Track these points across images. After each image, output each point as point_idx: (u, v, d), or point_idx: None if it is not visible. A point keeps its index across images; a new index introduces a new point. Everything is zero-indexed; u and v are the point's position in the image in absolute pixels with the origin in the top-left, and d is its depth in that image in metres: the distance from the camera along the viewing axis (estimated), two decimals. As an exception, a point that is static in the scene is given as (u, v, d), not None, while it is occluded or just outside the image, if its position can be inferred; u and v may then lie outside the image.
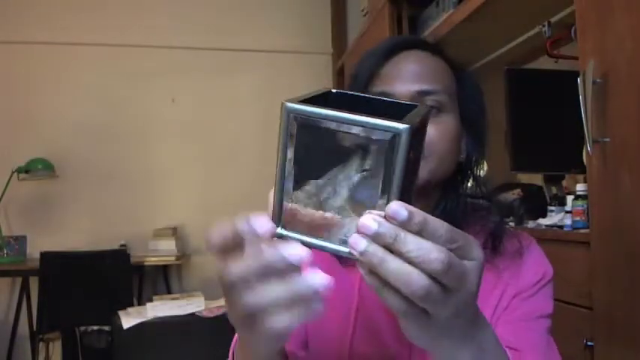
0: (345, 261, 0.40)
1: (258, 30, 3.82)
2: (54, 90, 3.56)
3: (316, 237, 0.41)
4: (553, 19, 1.90)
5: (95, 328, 3.04)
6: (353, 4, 3.81)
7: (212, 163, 3.64)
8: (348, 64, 3.41)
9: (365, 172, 0.38)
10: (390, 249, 0.37)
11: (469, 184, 0.79)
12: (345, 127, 0.38)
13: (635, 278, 1.15)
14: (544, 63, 2.08)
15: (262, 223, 0.39)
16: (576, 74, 1.27)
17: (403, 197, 0.38)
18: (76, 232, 3.45)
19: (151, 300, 2.22)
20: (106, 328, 2.97)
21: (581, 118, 1.23)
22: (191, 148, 3.68)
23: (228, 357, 0.63)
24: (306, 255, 0.38)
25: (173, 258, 3.30)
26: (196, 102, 3.72)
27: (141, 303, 3.10)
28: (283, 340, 0.45)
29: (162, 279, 3.52)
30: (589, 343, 1.28)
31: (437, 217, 0.39)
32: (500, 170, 2.06)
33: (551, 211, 1.65)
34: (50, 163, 3.32)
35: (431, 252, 0.36)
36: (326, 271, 0.78)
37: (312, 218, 0.40)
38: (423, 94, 0.71)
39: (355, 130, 0.37)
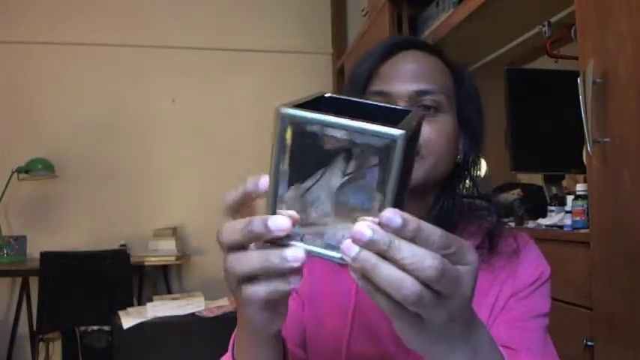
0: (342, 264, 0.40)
1: (258, 30, 3.82)
2: (54, 90, 3.56)
3: (308, 242, 0.41)
4: (553, 19, 1.90)
5: (95, 328, 3.04)
6: (353, 4, 3.81)
7: (212, 163, 3.64)
8: (348, 64, 3.41)
9: (359, 178, 0.38)
10: (383, 256, 0.37)
11: (466, 185, 0.79)
12: (340, 133, 0.38)
13: (635, 278, 1.15)
14: (544, 63, 2.08)
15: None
16: (576, 74, 1.27)
17: (397, 202, 0.38)
18: (76, 232, 3.45)
19: (151, 300, 2.22)
20: (106, 328, 2.97)
21: (581, 118, 1.23)
22: (191, 148, 3.68)
23: (227, 354, 0.63)
24: (288, 225, 0.39)
25: (173, 258, 3.30)
26: (196, 102, 3.72)
27: (141, 303, 3.10)
28: (268, 319, 0.47)
29: (163, 279, 3.52)
30: (589, 343, 1.28)
31: (434, 217, 0.39)
32: (500, 170, 2.06)
33: (551, 211, 1.65)
34: (50, 163, 3.32)
35: (425, 259, 0.36)
36: (323, 270, 0.79)
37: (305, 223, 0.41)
38: (420, 93, 0.72)
39: (350, 135, 0.38)
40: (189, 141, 3.69)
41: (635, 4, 1.15)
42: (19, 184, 3.31)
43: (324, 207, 0.40)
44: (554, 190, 1.85)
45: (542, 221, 1.64)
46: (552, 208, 1.66)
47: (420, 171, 0.70)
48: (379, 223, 0.37)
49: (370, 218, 0.38)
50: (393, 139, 0.37)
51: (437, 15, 2.26)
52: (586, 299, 1.30)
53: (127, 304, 2.58)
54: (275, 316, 0.48)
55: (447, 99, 0.74)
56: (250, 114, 3.68)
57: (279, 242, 0.40)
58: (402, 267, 0.36)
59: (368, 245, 0.37)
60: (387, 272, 0.37)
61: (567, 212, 1.51)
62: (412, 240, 0.37)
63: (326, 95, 0.48)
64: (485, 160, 0.80)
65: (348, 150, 0.38)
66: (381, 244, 0.37)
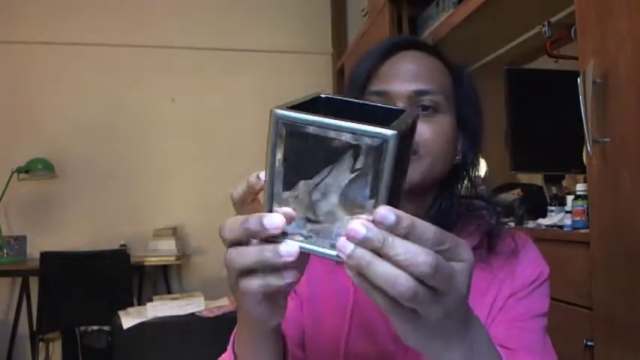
0: (339, 262, 0.41)
1: (258, 30, 3.82)
2: (54, 90, 3.56)
3: (305, 240, 0.41)
4: (553, 19, 1.90)
5: (95, 328, 3.04)
6: (353, 4, 3.81)
7: (212, 163, 3.64)
8: (348, 64, 3.41)
9: (353, 177, 0.39)
10: (378, 253, 0.37)
11: (464, 185, 0.79)
12: (333, 133, 0.38)
13: (635, 278, 1.15)
14: (544, 63, 2.08)
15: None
16: (576, 74, 1.27)
17: (391, 201, 0.38)
18: (76, 232, 3.45)
19: (151, 300, 2.22)
20: (106, 328, 2.97)
21: (581, 118, 1.23)
22: (191, 148, 3.68)
23: (227, 350, 0.63)
24: (282, 222, 0.40)
25: (173, 258, 3.30)
26: (196, 102, 3.72)
27: (141, 303, 3.10)
28: (267, 313, 0.48)
29: (163, 279, 3.52)
30: (589, 343, 1.28)
31: (431, 217, 0.40)
32: (500, 170, 2.06)
33: (551, 211, 1.65)
34: (50, 163, 3.32)
35: (418, 255, 0.37)
36: (321, 270, 0.79)
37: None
38: (419, 93, 0.72)
39: (343, 136, 0.38)
40: (189, 141, 3.69)
41: (635, 4, 1.15)
42: (19, 184, 3.31)
43: (319, 206, 0.40)
44: (554, 190, 1.85)
45: (542, 221, 1.64)
46: (552, 208, 1.66)
47: (417, 171, 0.70)
48: (373, 221, 0.38)
49: (365, 216, 0.38)
50: (385, 139, 0.37)
51: (437, 15, 2.26)
52: (586, 299, 1.30)
53: (127, 304, 2.58)
54: (274, 310, 0.49)
55: (446, 99, 0.74)
56: (250, 114, 3.67)
57: (276, 240, 0.41)
58: (396, 263, 0.37)
59: (362, 243, 0.37)
60: (381, 269, 0.37)
61: (567, 212, 1.51)
62: (406, 237, 0.38)
63: (322, 96, 0.49)
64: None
65: (341, 150, 0.38)
66: (375, 241, 0.37)
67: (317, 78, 3.83)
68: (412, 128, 0.43)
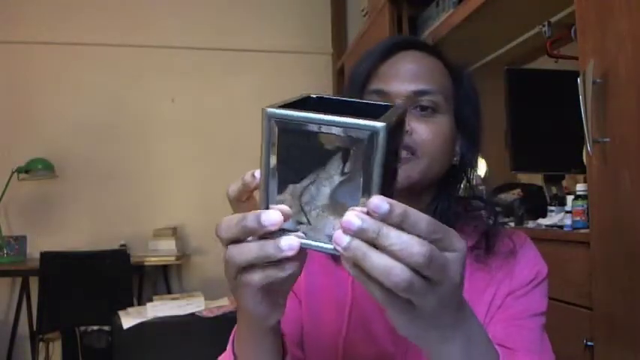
0: (338, 260, 0.42)
1: (258, 30, 3.82)
2: (54, 90, 3.56)
3: (302, 236, 0.42)
4: (553, 19, 1.90)
5: (95, 328, 3.04)
6: (353, 4, 3.81)
7: (212, 163, 3.64)
8: (348, 64, 3.41)
9: (346, 171, 0.40)
10: (373, 244, 0.38)
11: (463, 186, 0.79)
12: (324, 129, 0.39)
13: (635, 278, 1.15)
14: (544, 63, 2.08)
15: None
16: (576, 74, 1.27)
17: (384, 193, 0.39)
18: (76, 232, 3.45)
19: (151, 300, 2.22)
20: (106, 328, 2.97)
21: (581, 118, 1.23)
22: (191, 148, 3.68)
23: (227, 349, 0.63)
24: (279, 219, 0.40)
25: (173, 258, 3.30)
26: (196, 102, 3.72)
27: (141, 303, 3.10)
28: (267, 310, 0.49)
29: (163, 279, 3.52)
30: (589, 343, 1.28)
31: None
32: (500, 170, 2.06)
33: (551, 211, 1.65)
34: (50, 163, 3.32)
35: (413, 246, 0.37)
36: (319, 268, 0.79)
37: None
38: (418, 93, 0.72)
39: (334, 130, 0.39)
40: (189, 141, 3.69)
41: (635, 4, 1.15)
42: (19, 184, 3.31)
43: (314, 201, 0.41)
44: (554, 190, 1.85)
45: (542, 221, 1.64)
46: (552, 208, 1.66)
47: (415, 170, 0.70)
48: (367, 211, 0.38)
49: (359, 208, 0.39)
50: (374, 131, 0.38)
51: (437, 15, 2.26)
52: (586, 299, 1.30)
53: (127, 304, 2.58)
54: (274, 308, 0.50)
55: (445, 99, 0.74)
56: (250, 114, 3.66)
57: (273, 236, 0.42)
58: (391, 254, 0.38)
59: (357, 234, 0.38)
60: (377, 260, 0.38)
61: (567, 212, 1.51)
62: (399, 225, 0.38)
63: (312, 96, 0.50)
64: (485, 160, 0.80)
65: (333, 145, 0.39)
66: (370, 232, 0.38)
67: (317, 78, 3.83)
68: (401, 122, 0.44)
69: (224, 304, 2.24)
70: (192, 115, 3.71)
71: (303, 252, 0.43)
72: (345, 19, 3.99)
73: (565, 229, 1.48)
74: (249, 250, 0.42)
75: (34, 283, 3.16)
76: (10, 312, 3.34)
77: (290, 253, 0.41)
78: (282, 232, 0.42)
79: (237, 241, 0.43)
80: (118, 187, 3.58)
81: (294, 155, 0.41)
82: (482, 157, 0.81)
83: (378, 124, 0.38)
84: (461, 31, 2.09)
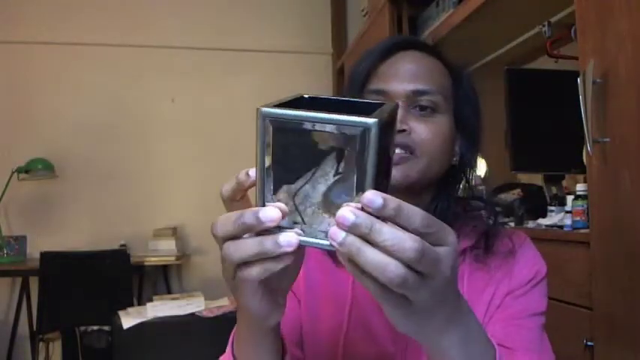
0: (337, 260, 0.42)
1: (258, 30, 3.82)
2: (54, 90, 3.56)
3: (300, 232, 0.43)
4: (553, 19, 1.90)
5: (95, 328, 3.04)
6: (353, 4, 3.81)
7: (212, 163, 3.64)
8: (348, 64, 3.41)
9: (341, 168, 0.40)
10: (366, 239, 0.38)
11: (462, 186, 0.79)
12: (317, 126, 0.40)
13: (635, 278, 1.15)
14: (544, 63, 2.08)
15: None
16: (576, 74, 1.27)
17: (378, 189, 0.40)
18: (76, 232, 3.45)
19: (151, 300, 2.22)
20: (106, 328, 2.97)
21: (581, 118, 1.23)
22: (191, 148, 3.68)
23: (226, 351, 0.63)
24: (277, 216, 0.41)
25: (173, 258, 3.30)
26: (196, 102, 3.72)
27: (141, 303, 3.10)
28: (267, 309, 0.49)
29: (163, 279, 3.52)
30: (589, 343, 1.28)
31: None
32: (500, 170, 2.06)
33: (551, 211, 1.65)
34: (50, 163, 3.32)
35: (405, 241, 0.38)
36: (319, 269, 0.79)
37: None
38: (418, 93, 0.72)
39: (327, 128, 0.40)
40: (189, 141, 3.69)
41: (635, 4, 1.15)
42: (19, 184, 3.31)
43: (310, 199, 0.42)
44: (554, 190, 1.85)
45: (542, 221, 1.64)
46: (552, 208, 1.66)
47: (414, 170, 0.70)
48: (362, 208, 0.39)
49: (353, 204, 0.40)
50: (366, 127, 0.39)
51: (437, 15, 2.26)
52: (586, 299, 1.30)
53: (127, 304, 2.58)
54: (274, 307, 0.50)
55: (445, 100, 0.74)
56: (250, 114, 3.59)
57: (270, 233, 0.42)
58: (384, 249, 0.38)
59: (351, 229, 0.38)
60: (371, 256, 0.38)
61: (567, 212, 1.51)
62: (394, 219, 0.39)
63: (305, 96, 0.50)
64: (485, 160, 0.81)
65: (328, 143, 0.40)
66: (363, 227, 0.38)
67: (317, 78, 3.83)
68: (392, 119, 0.45)
69: (224, 304, 2.24)
70: (192, 115, 3.71)
71: (300, 249, 0.43)
72: (345, 19, 3.99)
73: (565, 229, 1.48)
74: (247, 246, 0.42)
75: (34, 283, 3.16)
76: (10, 312, 3.34)
77: (289, 249, 0.41)
78: (278, 229, 0.42)
79: (233, 238, 0.43)
80: (118, 187, 3.58)
81: (289, 154, 0.41)
82: (482, 157, 0.81)
83: (370, 120, 0.39)
84: (461, 31, 2.09)
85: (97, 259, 2.91)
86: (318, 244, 0.42)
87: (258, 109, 0.41)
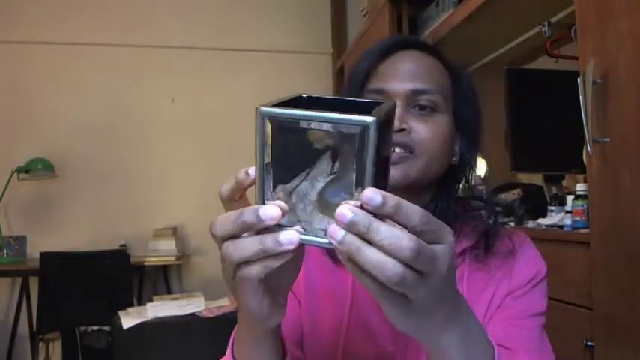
0: (337, 259, 0.42)
1: (258, 30, 3.82)
2: (54, 90, 3.56)
3: (300, 230, 0.43)
4: (553, 19, 1.90)
5: (95, 328, 3.04)
6: (353, 4, 3.81)
7: (212, 163, 3.63)
8: (348, 64, 3.41)
9: (340, 167, 0.41)
10: (363, 237, 0.39)
11: (462, 186, 0.79)
12: (316, 125, 0.40)
13: (635, 278, 1.15)
14: (544, 63, 2.08)
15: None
16: (576, 74, 1.27)
17: (377, 187, 0.40)
18: (76, 232, 3.45)
19: (151, 300, 2.22)
20: (106, 328, 2.97)
21: (581, 118, 1.23)
22: (191, 148, 3.68)
23: (226, 353, 0.63)
24: (277, 214, 0.41)
25: (173, 258, 3.30)
26: (196, 102, 3.72)
27: (141, 303, 3.10)
28: (268, 309, 0.49)
29: (163, 279, 3.52)
30: (589, 343, 1.27)
31: None
32: (500, 170, 2.06)
33: (551, 211, 1.65)
34: (50, 163, 3.32)
35: (402, 240, 0.38)
36: (319, 269, 0.79)
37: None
38: (417, 92, 0.72)
39: (326, 126, 0.40)
40: (189, 141, 3.69)
41: (635, 4, 1.15)
42: (19, 184, 3.31)
43: (309, 197, 0.42)
44: (554, 190, 1.85)
45: (542, 221, 1.64)
46: (552, 208, 1.66)
47: (413, 169, 0.70)
48: (361, 206, 0.39)
49: (353, 202, 0.40)
50: (365, 126, 0.39)
51: (437, 15, 2.26)
52: (586, 299, 1.30)
53: (127, 304, 2.58)
54: (275, 308, 0.50)
55: (444, 99, 0.74)
56: (250, 114, 3.58)
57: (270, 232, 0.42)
58: (382, 248, 0.38)
59: (349, 227, 0.39)
60: (370, 255, 0.39)
61: (567, 212, 1.51)
62: (393, 216, 0.39)
63: (303, 95, 0.51)
64: (485, 160, 0.81)
65: (326, 141, 0.40)
66: (361, 225, 0.38)
67: (317, 78, 3.83)
68: (390, 118, 0.45)
69: (224, 304, 2.24)
70: (192, 115, 3.71)
71: (300, 248, 0.43)
72: (345, 19, 3.99)
73: (565, 229, 1.48)
74: (247, 244, 0.42)
75: (34, 283, 3.16)
76: (10, 312, 3.34)
77: (290, 247, 0.41)
78: (278, 227, 0.42)
79: (232, 237, 0.43)
80: (118, 187, 3.58)
81: (288, 152, 0.42)
82: (482, 157, 0.81)
83: (369, 119, 0.39)
84: (461, 31, 2.09)
85: (97, 259, 2.91)
86: (318, 242, 0.42)
87: (257, 108, 0.42)
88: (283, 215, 0.42)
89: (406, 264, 0.39)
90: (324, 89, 3.78)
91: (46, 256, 2.84)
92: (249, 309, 0.49)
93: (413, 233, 0.40)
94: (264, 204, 0.43)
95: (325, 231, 0.41)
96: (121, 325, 2.05)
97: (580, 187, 1.44)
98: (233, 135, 3.66)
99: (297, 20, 3.89)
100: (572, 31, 1.71)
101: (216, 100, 3.73)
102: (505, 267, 0.74)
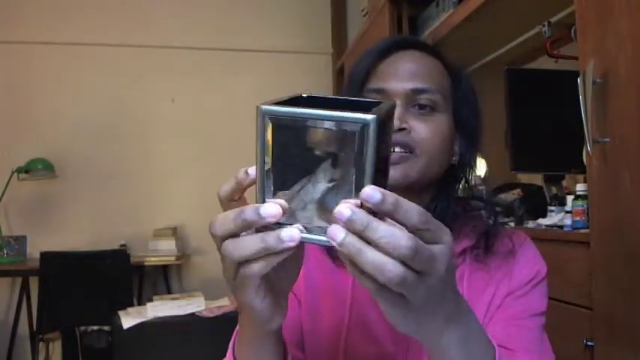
0: (337, 259, 0.42)
1: (258, 30, 3.82)
2: (54, 90, 3.56)
3: (301, 229, 0.43)
4: (553, 19, 1.90)
5: (95, 328, 3.04)
6: (353, 4, 3.81)
7: (212, 163, 3.63)
8: (348, 64, 3.41)
9: (340, 165, 0.41)
10: (362, 236, 0.39)
11: (461, 186, 0.79)
12: (317, 123, 0.40)
13: (635, 278, 1.15)
14: (544, 63, 2.08)
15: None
16: (576, 74, 1.27)
17: (376, 185, 0.40)
18: (76, 232, 3.45)
19: (151, 300, 2.22)
20: (106, 328, 2.97)
21: (581, 118, 1.23)
22: (191, 148, 3.68)
23: (227, 354, 0.63)
24: (278, 212, 0.41)
25: (173, 258, 3.30)
26: (196, 102, 3.72)
27: (141, 303, 3.10)
28: (269, 310, 0.49)
29: (163, 279, 3.52)
30: (589, 343, 1.27)
31: None
32: (500, 170, 2.06)
33: (551, 211, 1.65)
34: (50, 163, 3.32)
35: (400, 238, 0.38)
36: (319, 270, 0.79)
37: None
38: (416, 92, 0.72)
39: (326, 125, 0.40)
40: (189, 141, 3.69)
41: (635, 4, 1.15)
42: (19, 184, 3.31)
43: (310, 195, 0.42)
44: (554, 190, 1.85)
45: (542, 221, 1.64)
46: (552, 208, 1.66)
47: (413, 169, 0.70)
48: (361, 205, 0.39)
49: (352, 200, 0.40)
50: (365, 124, 0.39)
51: (437, 15, 2.26)
52: (586, 299, 1.30)
53: (127, 304, 2.58)
54: (276, 309, 0.50)
55: (444, 99, 0.74)
56: (250, 114, 3.58)
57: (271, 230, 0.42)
58: (379, 246, 0.38)
59: (347, 225, 0.39)
60: (370, 256, 0.39)
61: (567, 212, 1.51)
62: (392, 214, 0.39)
63: (303, 95, 0.51)
64: (485, 160, 0.81)
65: (327, 139, 0.40)
66: (359, 223, 0.38)
67: (317, 78, 3.83)
68: (390, 117, 0.45)
69: (224, 304, 2.24)
70: (192, 115, 3.71)
71: (301, 247, 0.43)
72: (345, 19, 3.99)
73: (565, 229, 1.48)
74: (248, 243, 0.42)
75: (34, 283, 3.16)
76: (10, 312, 3.34)
77: (291, 244, 0.41)
78: (278, 226, 0.42)
79: (232, 236, 0.43)
80: (118, 187, 3.58)
81: (289, 151, 0.42)
82: (482, 157, 0.81)
83: (368, 117, 0.39)
84: (461, 31, 2.09)
85: (97, 259, 2.91)
86: (320, 240, 0.42)
87: (257, 106, 0.42)
88: (284, 213, 0.42)
89: (406, 265, 0.39)
90: (324, 89, 3.78)
91: (46, 256, 2.84)
92: (251, 309, 0.49)
93: (411, 232, 0.40)
94: (264, 199, 0.43)
95: (325, 229, 0.41)
96: (121, 325, 2.05)
97: (580, 187, 1.44)
98: (233, 135, 3.67)
99: (297, 20, 3.89)
100: (572, 31, 1.71)
101: (216, 100, 3.72)
102: (505, 267, 0.74)
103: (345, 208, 0.39)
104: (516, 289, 0.73)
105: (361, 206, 0.39)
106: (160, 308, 2.11)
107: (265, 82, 3.68)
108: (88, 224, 3.52)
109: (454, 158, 0.77)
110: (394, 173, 0.68)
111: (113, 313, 2.17)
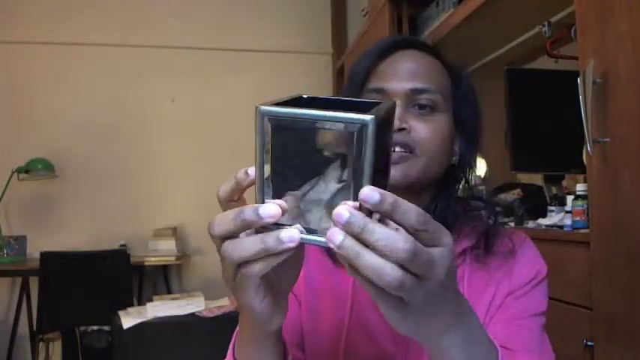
0: (337, 260, 0.42)
1: (258, 30, 3.82)
2: (54, 90, 3.56)
3: (301, 229, 0.43)
4: (553, 19, 1.90)
5: (95, 328, 3.04)
6: (353, 4, 3.81)
7: (212, 163, 3.63)
8: (348, 64, 3.41)
9: (338, 166, 0.41)
10: (359, 238, 0.39)
11: (461, 186, 0.79)
12: (316, 124, 0.40)
13: (635, 278, 1.15)
14: (544, 63, 2.08)
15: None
16: (576, 74, 1.27)
17: (376, 186, 0.40)
18: (76, 232, 3.45)
19: (151, 300, 2.22)
20: (106, 328, 2.97)
21: (581, 118, 1.23)
22: (191, 148, 3.68)
23: (227, 355, 0.63)
24: (277, 212, 0.41)
25: (173, 258, 3.30)
26: (196, 102, 3.72)
27: (141, 303, 3.10)
28: (269, 311, 0.49)
29: (163, 279, 3.52)
30: (589, 343, 1.27)
31: None
32: (500, 170, 2.06)
33: (551, 211, 1.65)
34: (50, 163, 3.32)
35: (398, 241, 0.38)
36: (319, 270, 0.79)
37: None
38: (416, 92, 0.72)
39: (326, 125, 0.40)
40: (189, 141, 3.69)
41: (635, 4, 1.15)
42: (19, 184, 3.31)
43: (308, 195, 0.42)
44: (554, 190, 1.85)
45: (542, 221, 1.64)
46: (552, 208, 1.66)
47: (413, 169, 0.70)
48: (360, 205, 0.39)
49: (351, 202, 0.40)
50: (364, 124, 0.39)
51: (437, 15, 2.26)
52: (586, 299, 1.30)
53: (127, 304, 2.58)
54: (276, 309, 0.50)
55: (444, 99, 0.74)
56: (250, 114, 3.58)
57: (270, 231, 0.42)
58: (377, 249, 0.38)
59: (345, 227, 0.38)
60: (369, 260, 0.38)
61: (567, 212, 1.51)
62: (390, 214, 0.39)
63: (304, 96, 0.51)
64: (485, 160, 0.81)
65: (325, 140, 0.40)
66: (356, 226, 0.38)
67: (317, 78, 3.83)
68: (390, 117, 0.45)
69: (224, 304, 2.24)
70: (192, 115, 3.71)
71: (301, 248, 0.43)
72: (345, 19, 3.99)
73: (565, 229, 1.48)
74: (248, 244, 0.42)
75: (34, 283, 3.16)
76: (10, 312, 3.34)
77: (291, 245, 0.41)
78: (277, 226, 0.42)
79: (231, 237, 0.43)
80: (118, 187, 3.58)
81: (288, 152, 0.42)
82: (482, 157, 0.81)
83: (367, 117, 0.39)
84: (461, 31, 2.09)
85: (97, 259, 2.91)
86: (319, 241, 0.42)
87: (257, 107, 0.42)
88: (283, 214, 0.42)
89: (404, 268, 0.39)
90: (324, 89, 3.78)
91: (46, 256, 2.84)
92: (251, 310, 0.49)
93: (411, 233, 0.39)
94: (263, 200, 0.43)
95: (325, 230, 0.41)
96: (121, 325, 2.05)
97: (580, 187, 1.44)
98: (233, 135, 3.66)
99: (297, 20, 3.89)
100: (572, 31, 1.70)
101: (216, 100, 3.73)
102: (505, 267, 0.74)
103: (344, 209, 0.39)
104: (516, 289, 0.73)
105: (360, 207, 0.39)
106: (159, 308, 2.11)
107: (265, 82, 3.68)
108: (88, 224, 3.52)
109: (454, 158, 0.77)
110: (394, 173, 0.68)
111: (113, 313, 2.17)
